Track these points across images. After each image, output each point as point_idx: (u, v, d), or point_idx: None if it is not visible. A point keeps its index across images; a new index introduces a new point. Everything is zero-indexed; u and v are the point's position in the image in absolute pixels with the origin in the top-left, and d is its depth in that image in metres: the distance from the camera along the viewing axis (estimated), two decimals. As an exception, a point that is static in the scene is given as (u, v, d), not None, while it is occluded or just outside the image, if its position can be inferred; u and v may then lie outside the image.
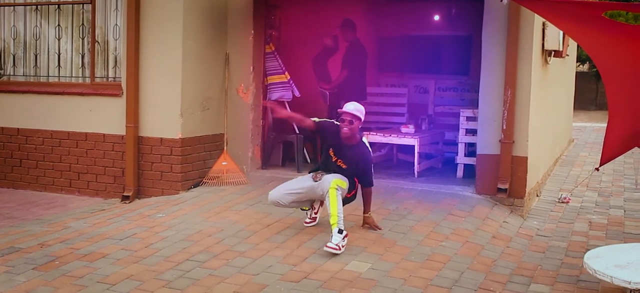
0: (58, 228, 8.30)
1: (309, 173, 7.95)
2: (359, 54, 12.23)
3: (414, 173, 11.00)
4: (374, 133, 11.53)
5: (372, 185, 7.85)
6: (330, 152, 7.71)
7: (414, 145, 11.08)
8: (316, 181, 7.65)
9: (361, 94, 12.35)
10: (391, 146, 12.28)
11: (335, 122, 7.75)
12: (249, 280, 6.45)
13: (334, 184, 7.36)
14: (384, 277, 6.58)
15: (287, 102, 11.46)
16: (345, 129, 7.47)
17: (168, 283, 6.39)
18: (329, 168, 7.70)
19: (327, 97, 12.59)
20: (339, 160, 7.62)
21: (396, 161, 12.46)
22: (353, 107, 7.53)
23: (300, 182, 7.84)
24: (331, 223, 7.22)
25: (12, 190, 11.17)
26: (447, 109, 13.48)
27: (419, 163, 11.07)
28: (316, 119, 7.79)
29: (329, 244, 7.08)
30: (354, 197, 7.85)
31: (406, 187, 10.10)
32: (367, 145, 7.77)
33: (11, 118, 11.23)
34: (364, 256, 7.13)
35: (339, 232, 7.15)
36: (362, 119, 7.59)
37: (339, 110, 7.70)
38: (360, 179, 7.73)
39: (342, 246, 7.14)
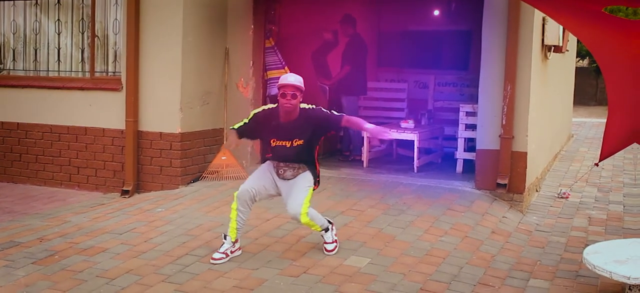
0: (58, 223, 8.31)
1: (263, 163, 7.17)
2: (360, 48, 12.22)
3: (413, 168, 11.01)
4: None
5: (343, 116, 6.96)
6: (273, 142, 6.88)
7: (413, 140, 11.08)
8: (283, 178, 6.95)
9: (362, 88, 12.36)
10: (391, 141, 12.27)
11: (269, 107, 7.04)
12: (248, 275, 6.46)
13: (304, 212, 6.71)
14: (383, 272, 6.59)
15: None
16: (289, 104, 6.69)
17: (167, 278, 6.40)
18: (281, 157, 6.91)
19: (326, 91, 12.58)
20: (292, 142, 6.83)
21: (396, 156, 12.47)
22: (294, 79, 6.76)
23: (264, 180, 7.01)
24: (314, 230, 7.13)
25: (11, 184, 11.17)
26: (446, 104, 13.48)
27: (418, 159, 11.07)
28: (235, 126, 6.94)
29: (327, 247, 7.07)
30: (319, 181, 7.12)
31: (405, 182, 10.11)
32: (308, 106, 6.94)
33: (11, 112, 11.23)
34: (363, 251, 7.14)
35: (325, 231, 7.08)
36: (303, 90, 6.82)
37: (278, 84, 6.82)
38: (326, 129, 7.06)
39: (336, 238, 7.13)
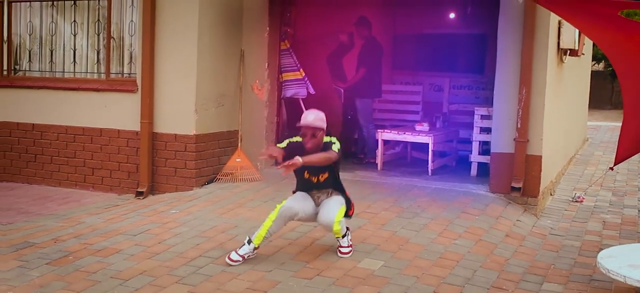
0: (72, 224, 8.34)
1: (295, 193, 7.20)
2: (375, 51, 12.22)
3: (427, 171, 11.00)
4: (389, 131, 11.53)
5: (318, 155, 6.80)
6: (305, 174, 7.02)
7: (428, 143, 11.07)
8: (318, 204, 7.05)
9: (376, 91, 12.35)
10: (405, 144, 12.28)
11: (299, 140, 6.99)
12: (262, 277, 6.46)
13: (338, 220, 6.81)
14: (396, 275, 6.58)
15: (302, 99, 11.47)
16: (309, 144, 6.83)
17: (181, 279, 6.41)
18: (313, 188, 7.07)
19: (341, 94, 12.58)
20: (319, 177, 6.99)
21: (410, 159, 12.46)
22: (313, 118, 6.85)
23: (307, 203, 7.05)
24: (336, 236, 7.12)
25: (26, 185, 11.22)
26: (461, 107, 13.47)
27: (433, 162, 11.06)
28: (282, 145, 6.98)
29: (342, 250, 7.06)
30: (353, 206, 7.21)
31: (420, 184, 10.09)
32: (332, 140, 6.97)
33: (26, 113, 11.28)
34: (376, 254, 7.13)
35: (343, 237, 7.06)
36: (325, 126, 6.93)
37: (297, 124, 6.95)
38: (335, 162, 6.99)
39: (351, 243, 7.15)
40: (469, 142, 11.55)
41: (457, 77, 14.59)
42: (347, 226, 7.17)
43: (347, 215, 7.07)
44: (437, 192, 9.63)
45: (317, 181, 7.00)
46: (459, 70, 14.73)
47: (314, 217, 7.04)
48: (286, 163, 6.54)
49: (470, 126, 11.51)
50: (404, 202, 9.04)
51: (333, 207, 6.89)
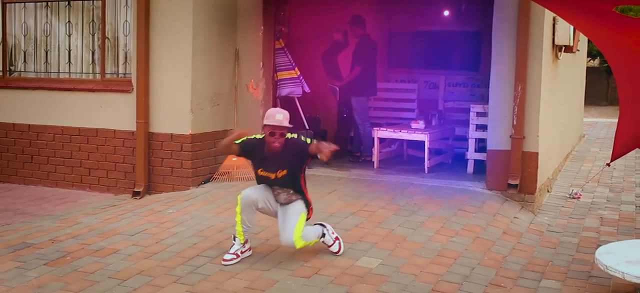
0: (69, 224, 8.33)
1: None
2: (370, 49, 12.21)
3: (424, 169, 10.99)
4: (384, 129, 11.53)
5: (312, 143, 6.78)
6: (260, 171, 6.92)
7: (424, 141, 11.06)
8: (280, 203, 6.98)
9: (371, 89, 12.34)
10: (401, 142, 12.29)
11: (258, 137, 6.95)
12: (259, 276, 6.46)
13: (298, 237, 6.70)
14: (394, 273, 6.58)
15: (297, 97, 11.47)
16: (276, 143, 6.73)
17: (179, 279, 6.41)
18: (271, 184, 6.93)
19: (337, 92, 12.58)
20: (276, 173, 6.84)
21: (406, 157, 12.46)
22: (282, 117, 6.75)
23: (266, 193, 6.96)
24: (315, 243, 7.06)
25: (23, 186, 11.21)
26: (457, 105, 13.46)
27: (429, 159, 11.05)
28: (238, 141, 6.90)
29: (332, 249, 7.07)
30: (311, 209, 7.12)
31: (416, 182, 10.09)
32: (291, 136, 6.88)
33: (22, 114, 11.27)
34: (374, 252, 7.13)
35: (323, 237, 7.04)
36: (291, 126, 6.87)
37: (264, 123, 6.82)
38: (301, 156, 6.83)
39: (335, 235, 7.14)
40: (465, 139, 11.56)
41: (452, 74, 14.59)
42: (321, 223, 7.17)
43: (307, 221, 6.98)
44: (434, 190, 9.64)
45: (275, 178, 6.87)
46: (454, 67, 14.73)
47: (273, 213, 7.00)
48: (324, 150, 6.51)
49: (466, 123, 11.52)
50: (400, 200, 9.05)
51: (290, 223, 6.78)
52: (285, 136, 6.76)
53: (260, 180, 6.99)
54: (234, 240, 6.88)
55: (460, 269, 6.78)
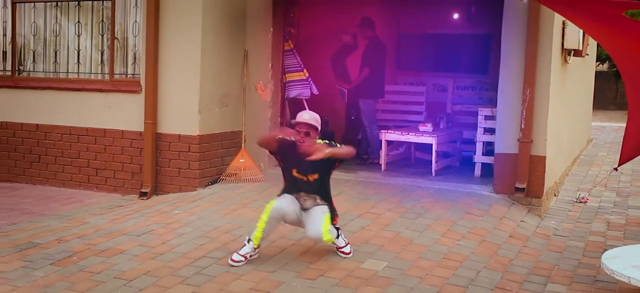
0: (76, 224, 8.35)
1: (281, 195, 7.09)
2: (379, 51, 12.21)
3: (431, 171, 10.98)
4: (392, 131, 11.53)
5: (344, 148, 7.00)
6: (293, 172, 6.98)
7: (431, 144, 11.06)
8: (304, 209, 6.98)
9: (379, 91, 12.34)
10: (409, 144, 12.28)
11: (292, 140, 6.93)
12: (265, 277, 6.46)
13: (326, 230, 6.78)
14: (400, 275, 6.58)
15: (306, 99, 11.47)
16: (302, 141, 6.80)
17: (185, 280, 6.41)
18: (301, 189, 6.99)
19: (345, 95, 12.58)
20: (308, 177, 6.93)
21: (414, 159, 12.46)
22: (308, 117, 6.89)
23: (294, 205, 6.97)
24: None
25: (30, 185, 11.23)
26: (465, 108, 13.45)
27: (436, 162, 11.05)
28: (279, 136, 7.06)
29: (344, 250, 7.09)
30: (337, 215, 7.18)
31: (423, 185, 10.08)
32: (322, 142, 6.96)
33: (30, 114, 11.29)
34: (380, 254, 7.13)
35: (337, 238, 7.06)
36: (319, 128, 6.96)
37: (292, 121, 7.04)
38: (330, 162, 6.92)
39: (346, 240, 7.18)
40: (472, 142, 11.56)
41: (460, 77, 14.59)
42: (337, 227, 7.15)
43: (332, 224, 7.00)
44: (441, 193, 9.63)
45: (307, 181, 6.94)
46: (463, 70, 14.72)
47: (299, 222, 7.01)
48: (316, 149, 6.65)
49: (474, 127, 11.51)
50: (407, 203, 9.04)
51: (318, 218, 6.85)
52: (310, 136, 6.82)
53: (292, 181, 7.01)
54: (247, 242, 6.86)
55: (466, 272, 6.77)
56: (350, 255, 7.04)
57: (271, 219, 6.80)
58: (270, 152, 7.32)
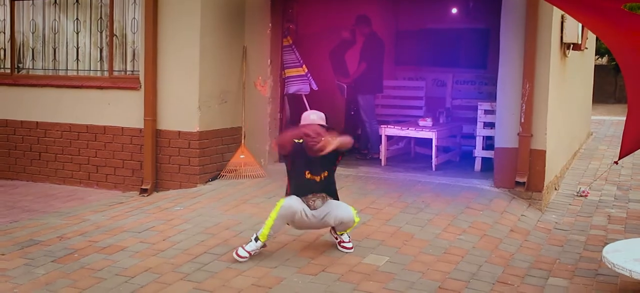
0: (77, 221, 8.34)
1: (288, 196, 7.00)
2: (377, 45, 12.20)
3: (431, 166, 10.98)
4: (392, 126, 11.52)
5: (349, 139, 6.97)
6: (307, 174, 6.90)
7: (431, 139, 11.05)
8: (314, 208, 6.93)
9: (378, 86, 12.34)
10: (409, 139, 12.27)
11: (300, 141, 6.87)
12: (266, 273, 6.46)
13: (355, 213, 6.99)
14: (401, 270, 6.58)
15: (305, 95, 11.47)
16: (317, 140, 6.68)
17: (186, 276, 6.41)
18: (311, 190, 6.94)
19: (344, 90, 12.58)
20: (320, 175, 6.94)
21: (414, 154, 12.44)
22: (316, 117, 6.91)
23: (303, 207, 6.88)
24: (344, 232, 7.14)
25: (31, 183, 11.24)
26: (465, 102, 13.43)
27: (436, 157, 11.04)
28: (296, 140, 6.92)
29: (347, 245, 7.10)
30: None
31: (424, 180, 10.08)
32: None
33: (30, 111, 11.30)
34: (381, 249, 7.13)
35: (344, 232, 7.11)
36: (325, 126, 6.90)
37: (302, 124, 6.92)
38: (338, 158, 7.02)
39: (349, 236, 7.22)
40: (472, 137, 11.55)
41: (460, 72, 14.58)
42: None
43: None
44: (441, 188, 9.63)
45: (320, 180, 6.94)
46: (462, 65, 14.72)
47: (307, 225, 6.99)
48: (326, 142, 6.64)
49: (473, 121, 11.50)
50: (408, 198, 9.04)
51: (341, 204, 6.98)
52: (324, 131, 6.78)
53: (303, 183, 6.95)
54: (255, 241, 6.81)
55: (467, 267, 6.78)
56: (352, 250, 7.04)
57: (280, 217, 6.75)
58: (283, 155, 7.28)
